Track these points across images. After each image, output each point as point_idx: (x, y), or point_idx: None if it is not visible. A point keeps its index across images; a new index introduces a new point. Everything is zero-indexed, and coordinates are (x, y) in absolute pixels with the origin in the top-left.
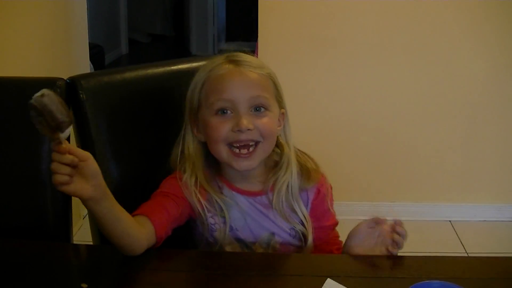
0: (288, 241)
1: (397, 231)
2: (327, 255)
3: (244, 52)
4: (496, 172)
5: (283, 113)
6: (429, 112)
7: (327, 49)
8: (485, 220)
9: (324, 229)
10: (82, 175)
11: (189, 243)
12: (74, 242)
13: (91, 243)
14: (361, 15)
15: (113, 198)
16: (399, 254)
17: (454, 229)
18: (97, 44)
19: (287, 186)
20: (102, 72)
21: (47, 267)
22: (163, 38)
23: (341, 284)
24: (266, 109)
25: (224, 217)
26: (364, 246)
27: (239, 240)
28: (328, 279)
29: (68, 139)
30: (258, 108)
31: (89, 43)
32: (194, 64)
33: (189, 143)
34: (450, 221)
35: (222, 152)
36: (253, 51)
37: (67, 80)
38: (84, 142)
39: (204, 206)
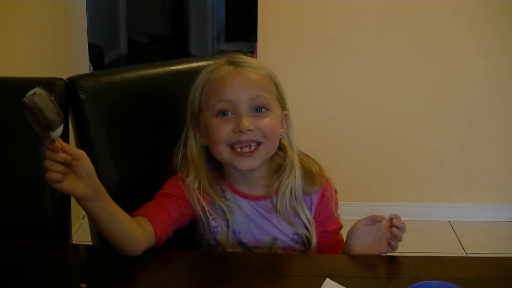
0: (290, 246)
1: (395, 224)
2: (326, 255)
3: (243, 53)
4: (496, 172)
5: (286, 115)
6: (429, 112)
7: (327, 49)
8: (484, 220)
9: (328, 233)
10: (75, 173)
11: (191, 245)
12: (74, 242)
13: (91, 243)
14: (361, 15)
15: (109, 197)
16: (398, 254)
17: (453, 229)
18: (97, 45)
19: (291, 189)
20: (101, 73)
21: (47, 267)
22: (162, 39)
23: (340, 284)
24: (267, 109)
25: (227, 220)
26: (364, 244)
27: (241, 244)
28: (327, 279)
29: (67, 139)
30: (259, 109)
31: (89, 43)
32: (194, 65)
33: (192, 147)
34: (449, 221)
35: (224, 153)
36: (253, 52)
37: (67, 81)
38: (84, 142)
39: (206, 210)
